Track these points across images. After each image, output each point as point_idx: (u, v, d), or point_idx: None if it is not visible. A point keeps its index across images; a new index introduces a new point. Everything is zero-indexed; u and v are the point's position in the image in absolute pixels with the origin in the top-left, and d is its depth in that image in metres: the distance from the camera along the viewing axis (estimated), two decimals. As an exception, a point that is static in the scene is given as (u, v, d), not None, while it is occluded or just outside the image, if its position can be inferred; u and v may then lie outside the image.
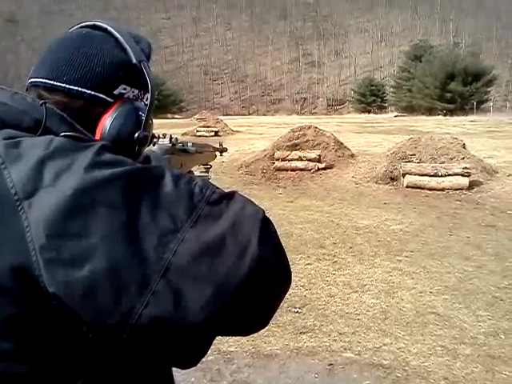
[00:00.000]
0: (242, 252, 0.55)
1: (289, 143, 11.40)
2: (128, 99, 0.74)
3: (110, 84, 0.72)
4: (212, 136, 20.04)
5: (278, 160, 10.79)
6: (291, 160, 10.66)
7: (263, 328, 0.62)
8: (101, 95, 0.71)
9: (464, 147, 10.11)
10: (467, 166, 8.88)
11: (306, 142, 11.45)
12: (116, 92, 0.73)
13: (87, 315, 0.51)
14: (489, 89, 47.59)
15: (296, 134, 11.70)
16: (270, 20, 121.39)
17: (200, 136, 19.91)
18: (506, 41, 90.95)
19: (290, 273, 0.63)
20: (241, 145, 15.98)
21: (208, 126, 21.48)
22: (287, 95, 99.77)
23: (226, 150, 1.46)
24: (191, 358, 0.58)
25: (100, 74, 0.71)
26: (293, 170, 10.50)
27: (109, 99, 0.72)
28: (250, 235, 0.57)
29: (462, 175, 8.74)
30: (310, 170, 10.44)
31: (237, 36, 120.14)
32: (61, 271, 0.50)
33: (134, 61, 0.73)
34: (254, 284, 0.56)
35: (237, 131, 22.36)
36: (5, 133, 0.61)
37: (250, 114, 78.22)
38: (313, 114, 79.09)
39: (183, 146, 1.10)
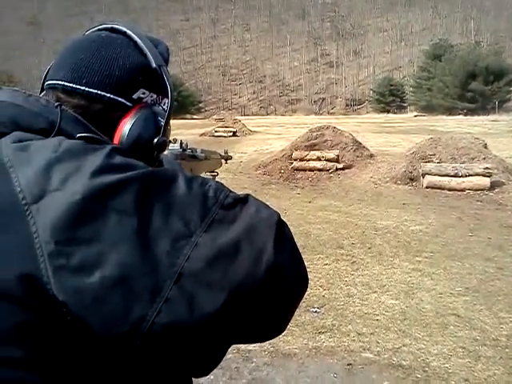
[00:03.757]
0: (258, 257, 0.54)
1: (307, 143, 11.39)
2: (147, 104, 0.73)
3: (130, 88, 0.71)
4: (230, 136, 20.13)
5: (296, 160, 10.78)
6: (309, 160, 10.64)
7: (280, 334, 0.61)
8: (120, 99, 0.70)
9: (485, 147, 9.97)
10: (488, 166, 8.75)
11: (324, 142, 11.42)
12: (135, 96, 0.71)
13: (97, 323, 0.49)
14: (511, 88, 46.73)
15: (314, 134, 11.69)
16: (289, 20, 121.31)
17: (218, 136, 20.03)
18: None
19: (306, 277, 0.62)
20: (259, 145, 16.00)
21: (226, 127, 21.57)
22: (305, 95, 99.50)
23: (230, 158, 1.46)
24: (205, 366, 0.57)
25: (120, 77, 0.70)
26: (311, 170, 10.48)
27: (128, 103, 0.71)
28: (265, 240, 0.55)
29: (483, 175, 8.61)
30: (328, 170, 10.41)
31: (255, 37, 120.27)
32: (70, 278, 0.49)
33: (154, 65, 0.72)
34: (270, 290, 0.55)
35: (255, 131, 22.40)
36: (14, 136, 0.59)
37: (267, 115, 78.19)
38: (331, 114, 78.74)
39: (192, 152, 1.10)
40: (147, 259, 0.50)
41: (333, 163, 10.51)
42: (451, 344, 3.25)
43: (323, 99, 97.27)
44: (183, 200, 0.55)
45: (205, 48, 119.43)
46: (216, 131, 20.81)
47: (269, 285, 0.54)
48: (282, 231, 0.58)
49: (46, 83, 0.72)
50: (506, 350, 3.17)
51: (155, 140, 0.72)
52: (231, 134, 20.52)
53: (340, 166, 10.51)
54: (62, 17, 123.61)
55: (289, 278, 0.57)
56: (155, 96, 0.75)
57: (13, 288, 0.48)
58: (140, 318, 0.49)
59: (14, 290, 0.48)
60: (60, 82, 0.69)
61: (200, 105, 69.88)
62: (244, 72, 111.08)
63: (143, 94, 0.73)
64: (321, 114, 75.81)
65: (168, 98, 0.75)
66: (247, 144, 16.54)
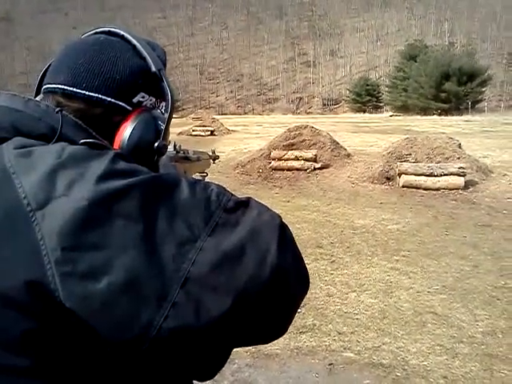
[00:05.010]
0: (262, 260, 0.55)
1: (285, 143, 11.41)
2: (147, 108, 0.73)
3: (130, 92, 0.71)
4: (208, 135, 20.04)
5: (274, 159, 10.80)
6: (287, 160, 10.67)
7: (282, 335, 0.62)
8: (120, 103, 0.70)
9: (460, 147, 10.16)
10: (463, 165, 8.92)
11: (302, 141, 11.46)
12: (135, 100, 0.72)
13: (105, 329, 0.50)
14: (483, 89, 47.66)
15: (292, 133, 11.72)
16: (266, 19, 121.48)
17: (196, 135, 19.91)
18: (501, 41, 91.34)
19: (308, 277, 0.63)
20: (237, 144, 15.98)
21: (204, 126, 21.43)
22: (283, 95, 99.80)
23: (218, 157, 1.47)
24: (210, 369, 0.58)
25: (120, 81, 0.70)
26: (289, 169, 10.51)
27: (128, 107, 0.71)
28: (268, 243, 0.56)
29: (458, 175, 8.77)
30: (306, 169, 10.46)
31: (232, 35, 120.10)
32: (77, 285, 0.49)
33: (154, 69, 0.72)
34: (274, 291, 0.55)
35: (233, 130, 22.34)
36: (16, 141, 0.59)
37: (245, 114, 78.26)
38: (308, 113, 79.18)
39: (184, 153, 1.10)
40: (153, 264, 0.51)
41: (311, 163, 10.56)
42: (429, 342, 3.31)
43: (300, 98, 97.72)
44: (187, 204, 0.56)
45: (182, 46, 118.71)
46: (194, 130, 20.69)
47: (273, 286, 0.55)
48: (284, 233, 0.59)
49: (45, 87, 0.72)
50: (482, 347, 3.25)
51: (155, 144, 0.72)
52: (209, 133, 20.43)
53: (318, 165, 10.57)
54: (35, 13, 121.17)
55: (292, 278, 0.58)
56: (154, 100, 0.75)
57: (20, 295, 0.49)
58: (148, 323, 0.50)
59: (20, 297, 0.49)
60: (60, 86, 0.69)
61: (177, 103, 69.26)
62: (221, 71, 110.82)
63: (143, 97, 0.73)
64: (298, 114, 76.11)
65: (166, 101, 0.76)
66: (225, 143, 16.49)
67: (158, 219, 0.53)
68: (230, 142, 17.07)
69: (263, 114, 75.19)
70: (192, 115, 31.98)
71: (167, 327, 0.50)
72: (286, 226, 0.61)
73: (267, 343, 0.63)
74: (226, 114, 64.52)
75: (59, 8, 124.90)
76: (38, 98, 0.71)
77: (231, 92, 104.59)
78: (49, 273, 0.49)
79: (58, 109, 0.65)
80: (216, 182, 0.63)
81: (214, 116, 27.34)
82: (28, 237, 0.50)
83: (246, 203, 0.61)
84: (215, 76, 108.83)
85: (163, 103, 0.77)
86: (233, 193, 0.62)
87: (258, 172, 10.67)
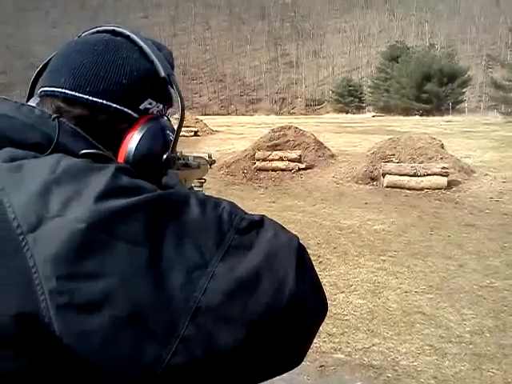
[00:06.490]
0: (279, 288, 0.50)
1: (269, 143, 11.41)
2: (154, 116, 0.67)
3: (137, 98, 0.65)
4: (192, 136, 19.93)
5: (258, 160, 10.79)
6: (272, 160, 10.68)
7: (298, 365, 0.57)
8: (127, 110, 0.64)
9: (442, 147, 10.28)
10: (445, 165, 9.03)
11: (286, 142, 11.48)
12: (141, 107, 0.65)
13: (106, 367, 0.44)
14: (464, 90, 48.39)
15: (276, 134, 11.73)
16: (249, 20, 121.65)
17: (180, 136, 19.78)
18: (480, 43, 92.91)
19: (326, 305, 0.59)
20: (221, 145, 15.94)
21: (187, 126, 21.30)
22: (266, 95, 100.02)
23: (214, 162, 1.42)
24: None
25: (127, 86, 0.63)
26: (274, 170, 10.52)
27: (134, 115, 0.65)
28: (286, 268, 0.51)
29: (441, 175, 8.88)
30: (290, 170, 10.48)
31: (215, 35, 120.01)
32: (75, 318, 0.44)
33: (163, 74, 0.65)
34: (290, 321, 0.51)
35: (216, 131, 22.26)
36: (4, 153, 0.53)
37: (228, 114, 78.10)
38: (291, 114, 79.38)
39: (185, 160, 1.03)
40: (160, 293, 0.46)
41: (295, 163, 10.58)
42: (418, 342, 3.32)
43: (283, 99, 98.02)
44: (196, 225, 0.51)
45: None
46: (177, 131, 20.59)
47: (289, 316, 0.51)
48: (302, 258, 0.55)
49: (42, 90, 0.64)
50: (470, 346, 3.27)
51: (164, 156, 0.66)
52: (193, 133, 20.32)
53: (302, 166, 10.59)
54: (15, 11, 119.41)
55: (309, 307, 0.54)
56: (161, 106, 0.69)
57: (9, 330, 0.43)
58: (154, 361, 0.45)
59: (10, 333, 0.43)
60: (61, 90, 0.62)
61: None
62: (204, 71, 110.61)
63: (150, 104, 0.67)
64: (281, 114, 76.27)
65: (172, 107, 0.71)
66: (209, 144, 16.44)
67: (164, 243, 0.48)
68: (214, 142, 17.01)
69: (247, 114, 75.18)
70: (175, 116, 31.78)
71: (175, 364, 0.45)
72: (304, 248, 0.57)
73: (281, 374, 0.56)
74: (209, 115, 64.24)
75: (39, 7, 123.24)
76: (33, 102, 0.65)
77: (214, 92, 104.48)
78: (42, 305, 0.43)
79: (54, 115, 0.59)
80: (227, 199, 0.58)
81: (198, 116, 27.22)
82: (18, 264, 0.45)
83: (259, 223, 0.55)
84: (198, 76, 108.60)
85: (170, 109, 0.72)
86: (246, 211, 0.57)
87: (243, 173, 10.64)
